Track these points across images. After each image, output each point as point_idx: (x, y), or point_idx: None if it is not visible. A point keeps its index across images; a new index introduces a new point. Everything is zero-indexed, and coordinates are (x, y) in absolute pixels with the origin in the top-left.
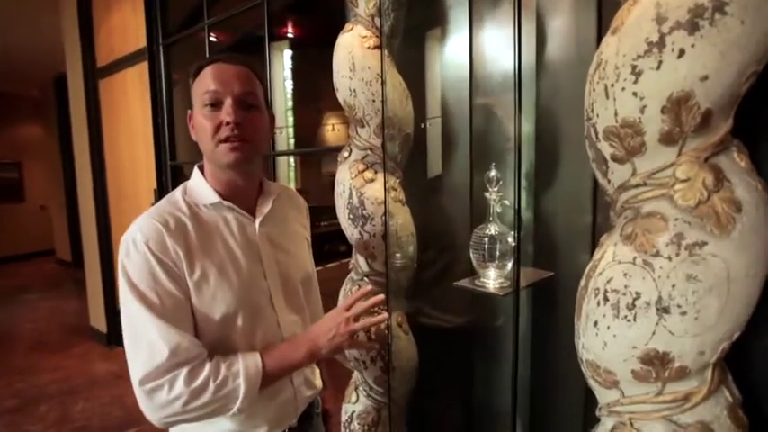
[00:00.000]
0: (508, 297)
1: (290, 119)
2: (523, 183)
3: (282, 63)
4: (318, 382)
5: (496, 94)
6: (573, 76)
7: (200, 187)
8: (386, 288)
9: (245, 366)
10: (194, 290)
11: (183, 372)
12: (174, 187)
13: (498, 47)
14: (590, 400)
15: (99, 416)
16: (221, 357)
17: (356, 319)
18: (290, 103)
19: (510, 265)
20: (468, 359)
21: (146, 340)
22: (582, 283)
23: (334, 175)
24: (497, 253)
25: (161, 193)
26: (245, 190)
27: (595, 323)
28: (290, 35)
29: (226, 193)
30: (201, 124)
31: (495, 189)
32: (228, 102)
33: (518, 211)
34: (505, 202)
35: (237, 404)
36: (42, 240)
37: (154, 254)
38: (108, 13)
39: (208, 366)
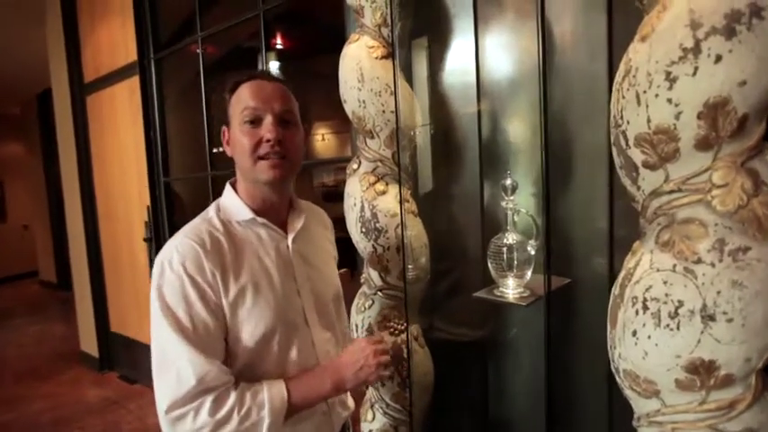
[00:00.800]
0: (524, 307)
1: None
2: (533, 190)
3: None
4: (351, 403)
5: (502, 101)
6: (583, 81)
7: (233, 204)
8: (404, 301)
9: (270, 398)
10: (230, 310)
11: (209, 401)
12: (167, 204)
13: (502, 52)
14: (613, 409)
15: None
16: (246, 386)
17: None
18: None
19: (529, 273)
20: (483, 371)
21: (175, 367)
22: (615, 291)
23: (325, 186)
24: (515, 262)
25: (154, 209)
26: (278, 206)
27: (634, 332)
28: (278, 46)
29: (259, 209)
30: (239, 141)
31: (512, 197)
32: (269, 119)
33: (547, 212)
34: (522, 210)
35: None
36: (25, 261)
37: (190, 276)
38: (95, 27)
39: (233, 396)
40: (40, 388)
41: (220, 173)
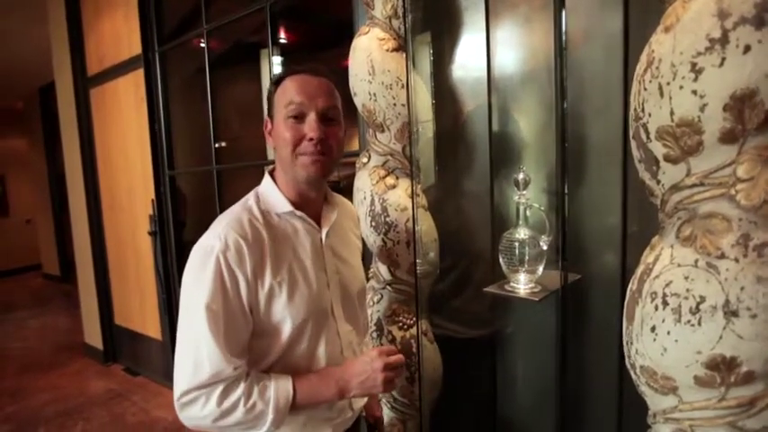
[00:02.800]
0: (534, 302)
1: None
2: (544, 185)
3: (272, 69)
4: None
5: (513, 96)
6: (597, 75)
7: (272, 195)
8: (415, 296)
9: (275, 396)
10: (265, 302)
11: (218, 390)
12: (173, 197)
13: (514, 46)
14: (623, 406)
15: None
16: (256, 378)
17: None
18: None
19: (541, 269)
20: (492, 367)
21: (194, 357)
22: (633, 286)
23: (329, 181)
24: (527, 257)
25: (159, 203)
26: (314, 200)
27: (653, 328)
28: (282, 41)
29: (296, 201)
30: (282, 134)
31: (524, 192)
32: (312, 116)
33: (563, 207)
34: (535, 204)
35: (265, 428)
36: (28, 255)
37: (229, 266)
38: (98, 20)
39: (241, 388)
40: (44, 380)
41: (225, 167)
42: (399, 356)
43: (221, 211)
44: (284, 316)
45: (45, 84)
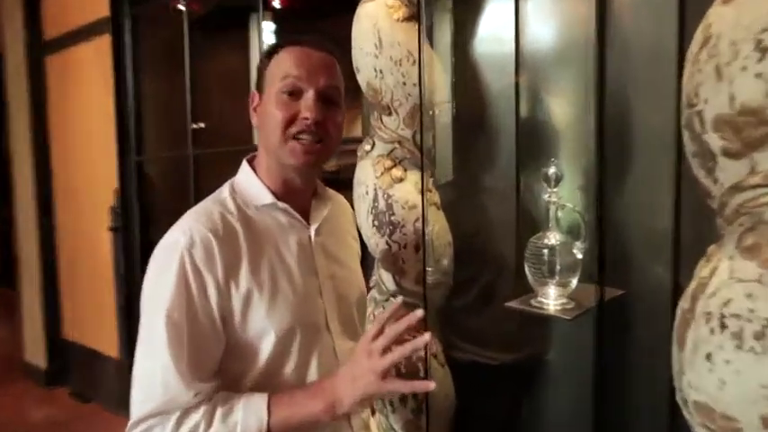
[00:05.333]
0: (568, 321)
1: None
2: (580, 182)
3: (261, 38)
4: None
5: (545, 75)
6: (645, 53)
7: (251, 185)
8: (423, 309)
9: (243, 421)
10: (242, 309)
11: (174, 417)
12: (140, 187)
13: (547, 17)
14: None
15: None
16: (222, 399)
17: (388, 349)
18: None
19: (575, 281)
20: (515, 397)
21: (149, 379)
22: (684, 305)
23: (325, 171)
24: (558, 267)
25: (124, 194)
26: (302, 192)
27: (708, 356)
28: (275, 4)
29: (280, 192)
30: (271, 112)
31: (556, 189)
32: (310, 95)
33: (601, 207)
34: (568, 204)
35: None
36: None
37: (195, 265)
38: None
39: (201, 410)
40: None
41: (203, 151)
42: (393, 329)
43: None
44: (265, 327)
45: None
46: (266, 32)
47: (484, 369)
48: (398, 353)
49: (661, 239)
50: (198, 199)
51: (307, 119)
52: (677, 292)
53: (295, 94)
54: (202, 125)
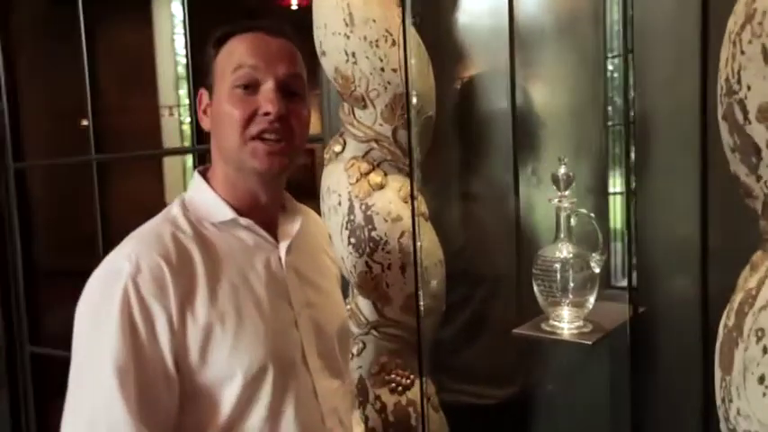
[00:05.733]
0: (588, 346)
1: (184, 97)
2: (591, 183)
3: (171, 13)
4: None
5: (546, 53)
6: (667, 31)
7: (205, 200)
8: (417, 343)
9: None
10: (201, 347)
11: None
12: (20, 200)
13: None
14: None
15: None
16: None
17: None
18: (182, 72)
19: (592, 300)
20: None
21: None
22: (728, 321)
23: None
24: (572, 284)
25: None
26: (267, 205)
27: (761, 378)
28: None
29: (242, 207)
30: (226, 111)
31: (566, 193)
32: (270, 85)
33: (630, 211)
34: (582, 210)
35: None
36: None
37: (141, 298)
38: None
39: None
40: None
41: (108, 157)
42: None
43: (102, 222)
44: (230, 366)
45: None
46: (174, 5)
47: (486, 411)
48: None
49: (687, 246)
50: (105, 216)
51: (268, 113)
52: (708, 305)
53: (251, 86)
54: (84, 123)
